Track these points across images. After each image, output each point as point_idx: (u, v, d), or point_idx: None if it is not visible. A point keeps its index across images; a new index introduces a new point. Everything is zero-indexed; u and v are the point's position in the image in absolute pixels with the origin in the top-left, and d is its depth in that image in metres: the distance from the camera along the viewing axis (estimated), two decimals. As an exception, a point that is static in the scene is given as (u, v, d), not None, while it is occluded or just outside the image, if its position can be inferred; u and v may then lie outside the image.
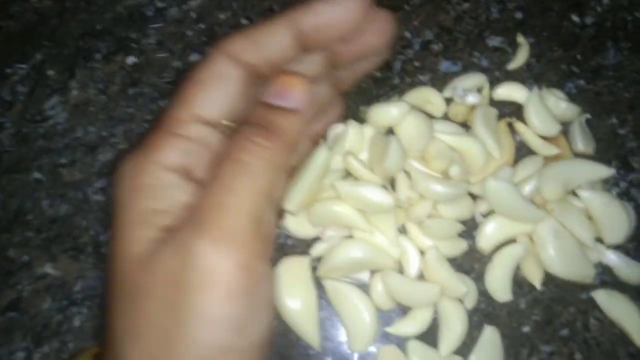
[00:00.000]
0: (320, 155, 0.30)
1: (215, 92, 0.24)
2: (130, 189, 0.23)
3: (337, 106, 0.33)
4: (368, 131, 0.34)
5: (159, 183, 0.23)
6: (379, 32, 0.25)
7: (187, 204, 0.23)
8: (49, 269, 0.36)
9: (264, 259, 0.23)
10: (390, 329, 0.32)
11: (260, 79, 0.25)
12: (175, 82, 0.25)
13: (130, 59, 0.40)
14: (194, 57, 0.40)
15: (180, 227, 0.22)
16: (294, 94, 0.24)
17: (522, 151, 0.35)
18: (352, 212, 0.32)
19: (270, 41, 0.24)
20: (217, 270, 0.21)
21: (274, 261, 0.33)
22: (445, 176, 0.33)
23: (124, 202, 0.23)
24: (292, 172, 0.31)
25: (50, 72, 0.40)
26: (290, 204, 0.30)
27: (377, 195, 0.31)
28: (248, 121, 0.24)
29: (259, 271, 0.22)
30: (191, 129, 0.24)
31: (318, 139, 0.32)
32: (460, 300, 0.32)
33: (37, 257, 0.36)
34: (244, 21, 0.40)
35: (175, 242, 0.22)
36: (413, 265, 0.32)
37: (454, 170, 0.32)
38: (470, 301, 0.32)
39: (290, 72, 0.25)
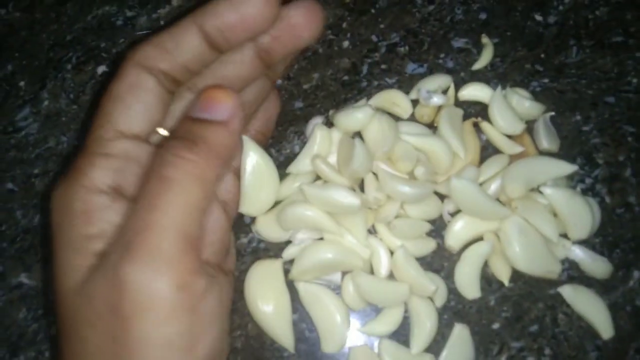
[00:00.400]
0: (246, 153, 0.30)
1: (133, 105, 0.23)
2: (62, 216, 0.23)
3: (273, 100, 0.33)
4: (336, 135, 0.34)
5: (89, 207, 0.23)
6: (308, 23, 0.25)
7: (119, 225, 0.23)
8: (23, 278, 0.36)
9: (203, 274, 0.22)
10: (362, 329, 0.33)
11: (178, 85, 0.25)
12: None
13: (101, 69, 0.40)
14: (164, 65, 0.40)
15: (109, 251, 0.22)
16: (221, 106, 0.24)
17: (488, 150, 0.36)
18: (321, 215, 0.32)
19: (179, 46, 0.23)
20: (151, 293, 0.21)
21: (247, 265, 0.34)
22: (412, 177, 0.33)
23: (57, 230, 0.23)
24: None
25: (21, 83, 0.40)
26: (243, 207, 0.31)
27: (344, 197, 0.31)
28: (172, 136, 0.24)
29: (199, 287, 0.22)
30: (116, 146, 0.23)
31: (258, 136, 0.33)
32: (431, 299, 0.32)
33: (11, 267, 0.36)
34: (213, 28, 0.41)
35: (106, 268, 0.21)
36: (383, 265, 0.33)
37: (419, 171, 0.32)
38: (440, 299, 0.33)
39: (216, 85, 0.24)
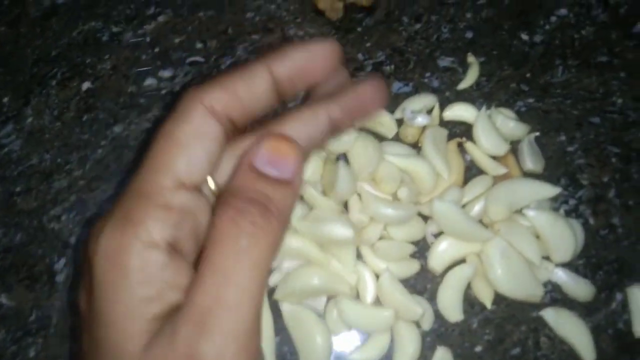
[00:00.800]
0: None
1: (198, 154, 0.21)
2: (116, 272, 0.21)
3: None
4: (321, 156, 0.34)
5: (147, 265, 0.21)
6: (376, 99, 0.24)
7: (176, 285, 0.21)
8: (3, 299, 0.36)
9: (261, 351, 0.22)
10: (349, 357, 0.32)
11: (237, 131, 0.23)
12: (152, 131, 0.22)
13: (85, 85, 0.40)
14: (149, 81, 0.40)
15: (177, 323, 0.20)
16: (287, 162, 0.22)
17: (473, 170, 0.35)
18: (308, 245, 0.32)
19: (251, 93, 0.22)
20: None
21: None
22: (395, 198, 0.33)
23: (108, 289, 0.21)
24: None
25: (5, 99, 0.40)
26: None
27: (338, 230, 0.31)
28: (239, 191, 0.22)
29: None
30: (175, 198, 0.21)
31: None
32: (417, 323, 0.32)
33: (-9, 287, 0.36)
34: (198, 45, 0.40)
35: (176, 342, 0.20)
36: (369, 292, 0.32)
37: (403, 193, 0.32)
38: (427, 322, 0.32)
39: (282, 135, 0.23)
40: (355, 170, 0.33)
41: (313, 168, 0.33)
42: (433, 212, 0.32)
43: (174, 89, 0.39)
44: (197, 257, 0.23)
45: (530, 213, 0.32)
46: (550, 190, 0.32)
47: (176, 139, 0.22)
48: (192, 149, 0.21)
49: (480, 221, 0.33)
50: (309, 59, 0.23)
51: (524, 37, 0.39)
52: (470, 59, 0.38)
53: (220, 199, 0.22)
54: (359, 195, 0.33)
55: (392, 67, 0.38)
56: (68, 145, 0.39)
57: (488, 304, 0.32)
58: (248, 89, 0.22)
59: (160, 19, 0.41)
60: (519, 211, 0.33)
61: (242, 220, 0.21)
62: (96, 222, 0.22)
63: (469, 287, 0.33)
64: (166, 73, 0.40)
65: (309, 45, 0.23)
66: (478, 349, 0.33)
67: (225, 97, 0.22)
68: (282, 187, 0.22)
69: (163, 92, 0.39)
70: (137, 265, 0.21)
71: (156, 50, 0.41)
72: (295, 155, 0.22)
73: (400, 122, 0.36)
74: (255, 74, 0.22)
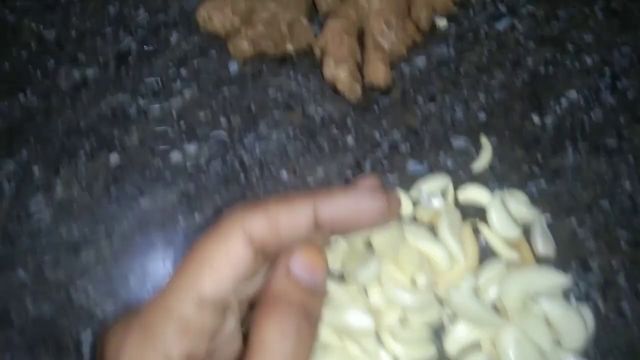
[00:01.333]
0: None
1: (225, 275, 0.23)
2: None
3: None
4: (342, 245, 0.35)
5: None
6: (391, 211, 0.25)
7: None
8: (31, 369, 0.37)
9: None
10: None
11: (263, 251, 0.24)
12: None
13: (113, 157, 0.42)
14: (174, 155, 0.41)
15: None
16: (319, 271, 0.24)
17: (487, 251, 0.37)
18: (327, 331, 0.33)
19: (292, 229, 0.23)
20: None
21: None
22: (413, 282, 0.34)
23: None
24: None
25: (36, 170, 0.42)
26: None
27: (358, 321, 0.32)
28: (282, 295, 0.23)
29: None
30: (196, 314, 0.22)
31: None
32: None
33: (19, 357, 0.37)
34: (222, 119, 0.42)
35: None
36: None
37: (421, 280, 0.34)
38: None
39: (315, 246, 0.24)
40: (377, 252, 0.34)
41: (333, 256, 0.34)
42: (450, 301, 0.33)
43: (199, 162, 0.41)
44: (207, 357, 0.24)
45: (544, 303, 0.33)
46: (561, 280, 0.33)
47: (208, 258, 0.23)
48: (221, 271, 0.23)
49: (495, 305, 0.34)
50: (355, 209, 0.24)
51: (535, 119, 0.40)
52: (484, 140, 0.39)
53: (263, 302, 0.24)
54: (379, 279, 0.34)
55: (408, 145, 0.40)
56: (95, 217, 0.40)
57: (502, 389, 0.33)
58: (289, 222, 0.23)
59: (186, 93, 0.43)
60: (531, 298, 0.34)
61: (287, 323, 0.22)
62: (115, 323, 0.24)
63: (483, 370, 0.34)
64: (191, 147, 0.42)
65: (359, 194, 0.24)
66: None
67: (266, 226, 0.23)
68: (318, 298, 0.24)
69: (188, 165, 0.41)
70: None
71: (182, 124, 0.42)
72: (325, 266, 0.25)
73: (415, 202, 0.38)
74: (300, 209, 0.24)
